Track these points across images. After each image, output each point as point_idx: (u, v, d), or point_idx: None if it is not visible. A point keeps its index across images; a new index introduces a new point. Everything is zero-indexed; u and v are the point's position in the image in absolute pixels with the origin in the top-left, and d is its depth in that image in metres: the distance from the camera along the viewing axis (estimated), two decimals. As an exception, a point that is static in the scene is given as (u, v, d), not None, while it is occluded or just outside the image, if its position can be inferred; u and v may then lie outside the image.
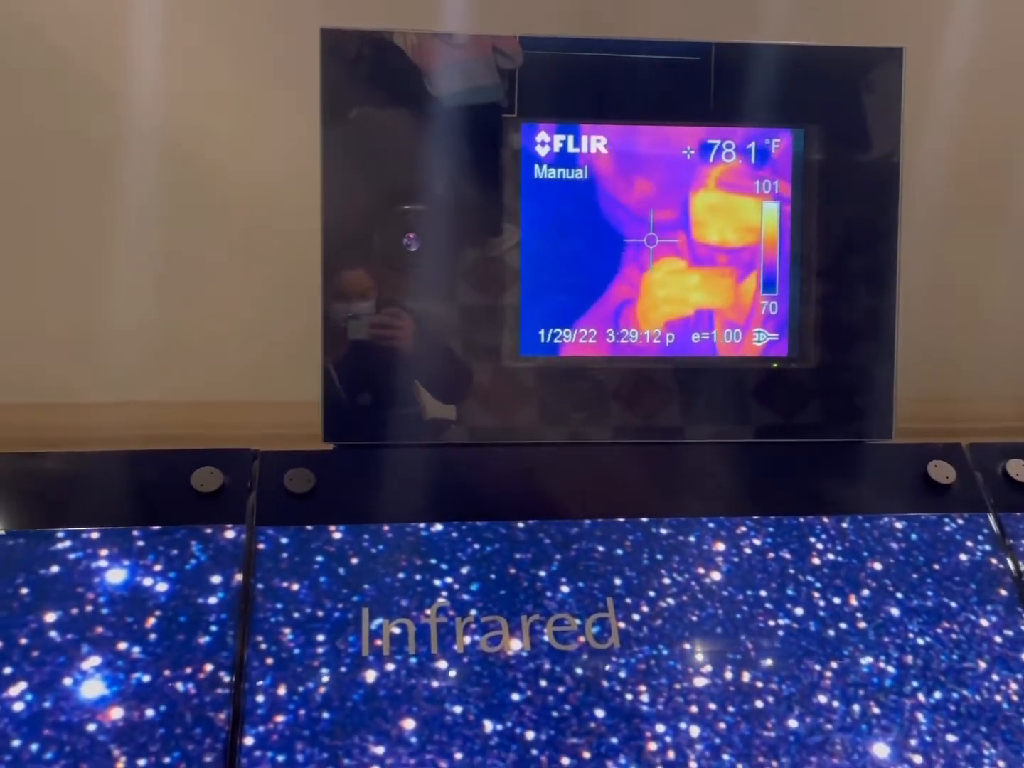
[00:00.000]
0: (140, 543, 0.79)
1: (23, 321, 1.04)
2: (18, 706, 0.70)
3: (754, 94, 0.91)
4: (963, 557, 0.86)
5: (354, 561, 0.81)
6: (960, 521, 0.88)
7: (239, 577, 0.78)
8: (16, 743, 0.68)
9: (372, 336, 0.88)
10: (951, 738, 0.76)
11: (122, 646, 0.74)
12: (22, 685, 0.70)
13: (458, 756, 0.72)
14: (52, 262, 1.05)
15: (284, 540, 0.81)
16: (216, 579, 0.78)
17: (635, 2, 1.07)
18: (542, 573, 0.82)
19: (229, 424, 0.95)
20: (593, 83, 0.90)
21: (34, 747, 0.68)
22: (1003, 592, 0.84)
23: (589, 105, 0.90)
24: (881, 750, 0.75)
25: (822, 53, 0.92)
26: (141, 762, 0.69)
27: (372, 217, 0.88)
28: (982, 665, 0.79)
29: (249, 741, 0.71)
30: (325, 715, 0.73)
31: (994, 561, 0.86)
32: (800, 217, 0.92)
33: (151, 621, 0.75)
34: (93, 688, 0.71)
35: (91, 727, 0.70)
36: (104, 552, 0.78)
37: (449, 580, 0.80)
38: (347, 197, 0.87)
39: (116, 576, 0.77)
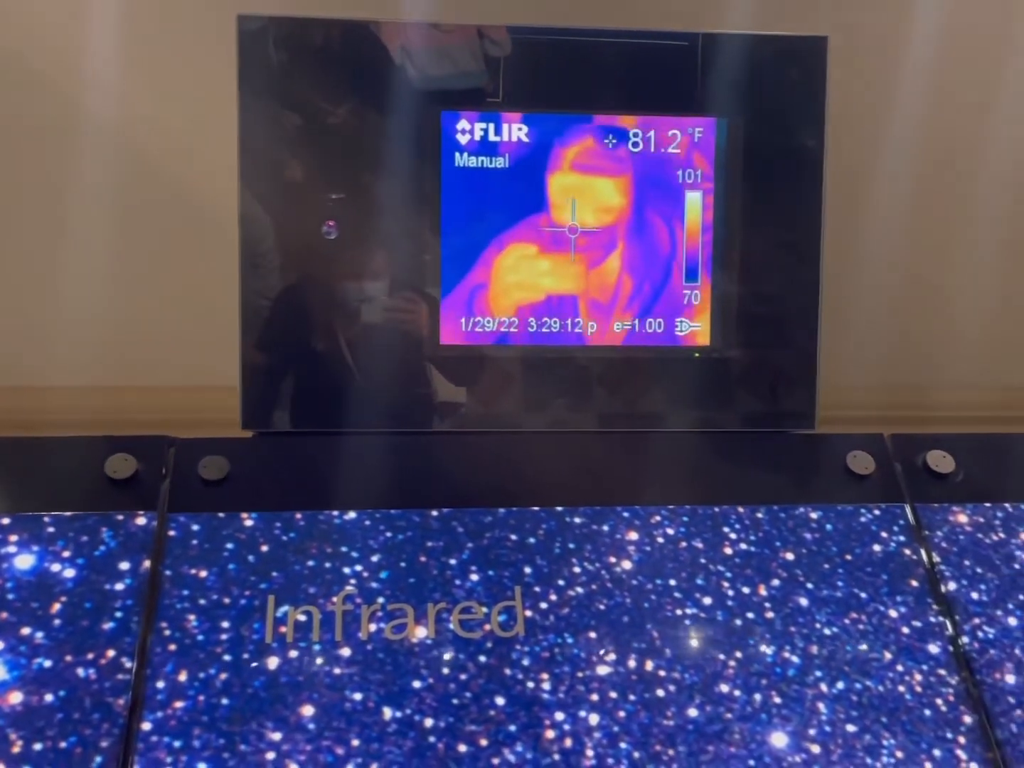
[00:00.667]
0: (50, 529, 0.80)
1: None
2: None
3: (676, 83, 0.90)
4: (876, 548, 0.86)
5: (264, 548, 0.81)
6: (876, 512, 0.88)
7: (147, 564, 0.79)
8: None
9: (289, 324, 0.89)
10: (851, 728, 0.76)
11: (25, 631, 0.74)
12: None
13: (355, 743, 0.73)
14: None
15: (195, 527, 0.82)
16: (124, 565, 0.79)
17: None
18: (452, 561, 0.82)
19: (154, 409, 0.95)
20: (514, 71, 0.89)
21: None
22: (914, 583, 0.84)
23: (510, 93, 0.89)
24: (779, 739, 0.75)
25: (745, 42, 0.91)
26: (37, 746, 0.70)
27: (290, 204, 0.88)
28: (887, 656, 0.80)
29: (147, 727, 0.72)
30: (224, 701, 0.73)
31: (908, 552, 0.86)
32: (723, 207, 0.92)
33: (56, 607, 0.76)
34: (-9, 671, 0.72)
35: (-13, 709, 0.70)
36: (14, 538, 0.79)
37: (359, 568, 0.81)
38: (265, 184, 0.87)
39: (24, 562, 0.78)
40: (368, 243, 0.89)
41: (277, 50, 0.87)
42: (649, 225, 0.91)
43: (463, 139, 0.90)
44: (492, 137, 0.90)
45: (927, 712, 0.78)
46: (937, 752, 0.76)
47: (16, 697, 0.72)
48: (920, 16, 1.09)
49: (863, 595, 0.83)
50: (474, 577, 0.81)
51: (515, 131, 0.90)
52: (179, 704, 0.73)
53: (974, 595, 0.84)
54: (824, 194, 0.92)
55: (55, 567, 0.78)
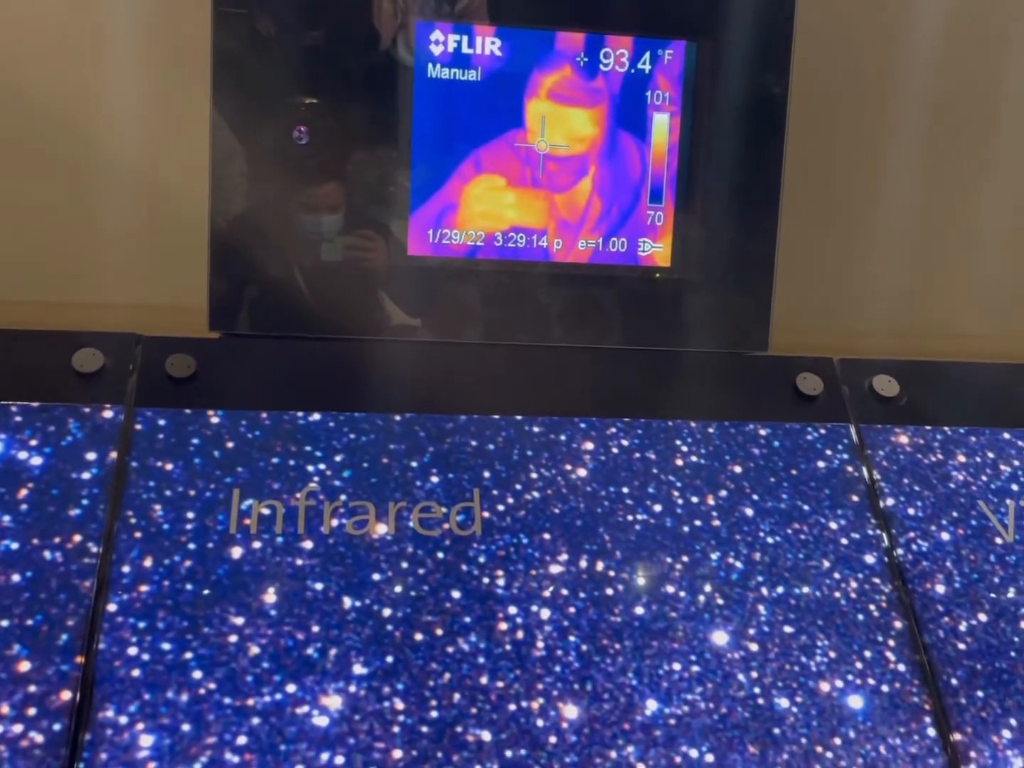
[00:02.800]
0: (17, 418, 0.81)
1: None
2: None
3: (646, 4, 0.92)
4: (820, 464, 0.89)
5: (229, 445, 0.83)
6: (822, 431, 0.92)
7: (113, 455, 0.80)
8: None
9: (259, 228, 0.90)
10: (788, 629, 0.80)
11: (-9, 514, 0.76)
12: None
13: (315, 629, 0.75)
14: None
15: (161, 422, 0.83)
16: (91, 456, 0.80)
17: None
18: (414, 464, 0.84)
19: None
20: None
21: None
22: (855, 498, 0.88)
23: (491, 6, 0.90)
24: (720, 637, 0.79)
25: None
26: (3, 623, 0.72)
27: (262, 110, 0.89)
28: (826, 564, 0.84)
29: (112, 608, 0.74)
30: (188, 587, 0.76)
31: (850, 469, 0.89)
32: (689, 131, 0.94)
33: (23, 492, 0.77)
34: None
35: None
36: (-20, 426, 0.80)
37: (322, 467, 0.83)
38: (237, 89, 0.88)
39: (-10, 449, 0.79)
40: (339, 149, 0.89)
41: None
42: (621, 149, 0.93)
43: (436, 50, 0.90)
44: (465, 50, 0.91)
45: (860, 617, 0.82)
46: (868, 653, 0.80)
47: (-15, 575, 0.73)
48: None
49: (806, 508, 0.87)
50: (434, 479, 0.84)
51: (488, 45, 0.91)
52: (144, 588, 0.75)
53: (910, 511, 0.88)
54: (787, 122, 0.94)
55: (22, 455, 0.79)
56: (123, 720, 0.70)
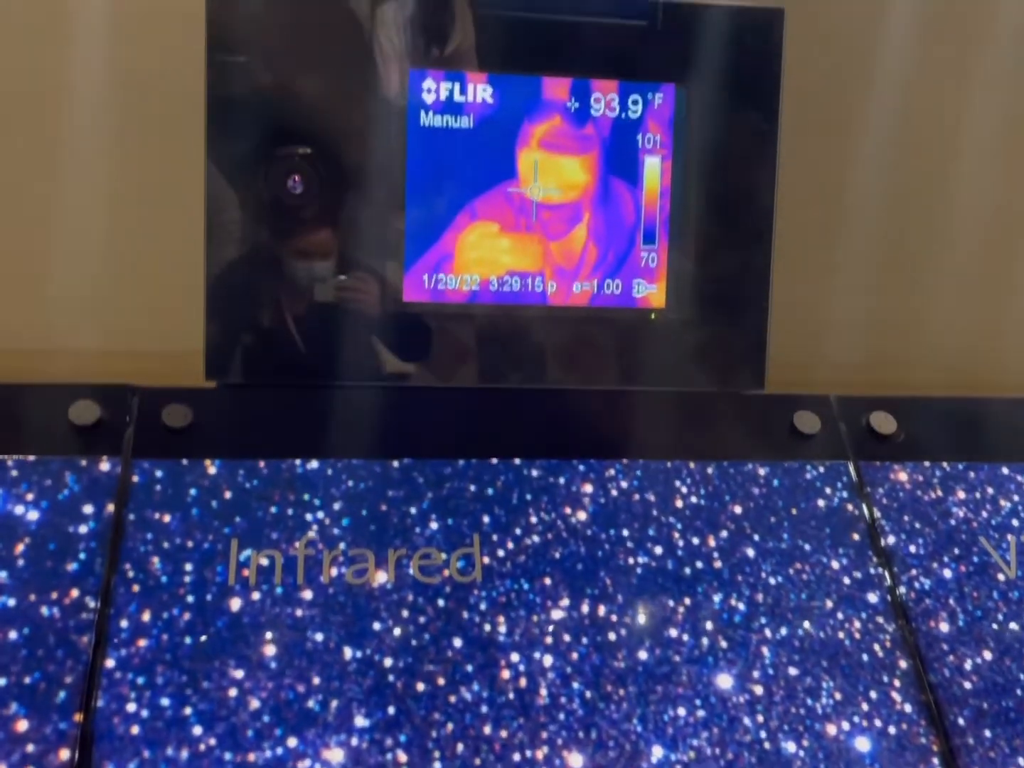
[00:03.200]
0: (13, 472, 0.81)
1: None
2: None
3: (636, 50, 0.93)
4: (821, 503, 0.89)
5: (227, 495, 0.83)
6: (821, 469, 0.91)
7: (111, 508, 0.80)
8: None
9: (254, 276, 0.90)
10: (793, 671, 0.80)
11: (-11, 571, 0.75)
12: None
13: (316, 681, 0.75)
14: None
15: (159, 473, 0.83)
16: (88, 509, 0.80)
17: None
18: (412, 510, 0.84)
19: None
20: (481, 34, 0.91)
21: None
22: (856, 536, 0.88)
23: (479, 50, 0.91)
24: (725, 681, 0.78)
25: (703, 10, 0.94)
26: (1, 681, 0.71)
27: (257, 158, 0.89)
28: (829, 604, 0.83)
29: (110, 663, 0.73)
30: (187, 640, 0.75)
31: (850, 507, 0.89)
32: (681, 173, 0.95)
33: (20, 548, 0.77)
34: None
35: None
36: (-23, 481, 0.80)
37: (320, 515, 0.83)
38: (232, 137, 0.88)
39: (-13, 503, 0.79)
40: (334, 198, 0.90)
41: (246, 5, 0.88)
42: (614, 195, 0.94)
43: (429, 98, 0.91)
44: (457, 97, 0.91)
45: (865, 657, 0.81)
46: (874, 694, 0.79)
47: (-19, 633, 0.73)
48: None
49: (807, 547, 0.86)
50: (433, 525, 0.83)
51: (480, 92, 0.92)
52: (142, 642, 0.74)
53: (912, 548, 0.88)
54: (777, 165, 0.94)
55: (19, 509, 0.79)
56: (123, 778, 0.69)
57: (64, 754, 0.69)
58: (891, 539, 0.88)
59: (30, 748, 0.69)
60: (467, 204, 0.92)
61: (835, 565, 0.86)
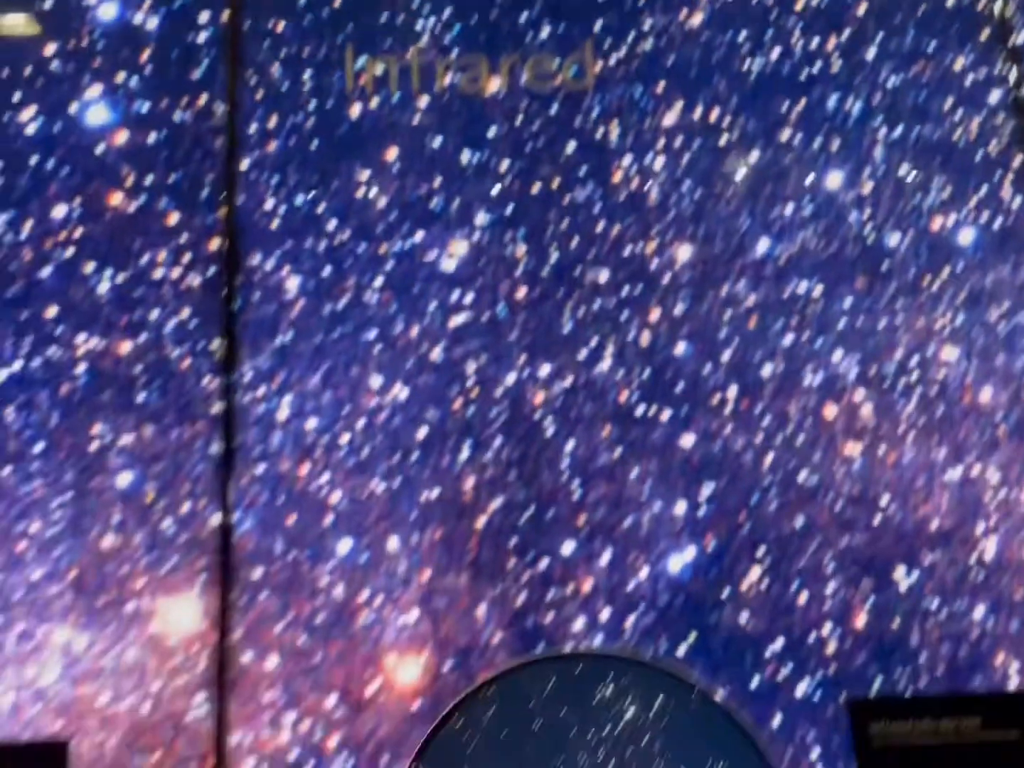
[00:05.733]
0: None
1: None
2: (30, 129, 0.76)
3: None
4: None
5: (337, 3, 0.82)
6: (956, -37, 0.85)
7: (226, 14, 0.80)
8: (33, 160, 0.75)
9: None
10: (903, 170, 0.80)
11: (119, 77, 0.78)
12: (32, 109, 0.76)
13: (437, 183, 0.78)
14: None
15: (267, -21, 0.82)
16: (203, 17, 0.80)
17: None
18: (524, 15, 0.83)
19: None
20: None
21: (49, 165, 0.75)
22: (986, 32, 0.84)
23: None
24: (834, 179, 0.80)
25: None
26: (148, 180, 0.76)
27: None
28: (948, 103, 0.82)
29: (245, 166, 0.77)
30: (315, 144, 0.78)
31: (982, 3, 0.85)
32: None
33: (144, 56, 0.79)
34: (98, 114, 0.77)
35: (99, 149, 0.76)
36: None
37: (431, 21, 0.82)
38: None
39: (107, 12, 0.80)
40: None
41: None
42: None
43: None
44: None
45: (979, 155, 0.81)
46: (984, 190, 0.80)
47: (123, 136, 0.77)
48: None
49: (933, 43, 0.83)
50: (545, 31, 0.82)
51: None
52: (272, 146, 0.78)
53: (1042, 46, 0.84)
54: None
55: (137, 18, 0.80)
56: (270, 265, 0.75)
57: (214, 243, 0.75)
58: (1022, 37, 0.84)
59: (183, 238, 0.75)
60: None
61: (961, 62, 0.83)
